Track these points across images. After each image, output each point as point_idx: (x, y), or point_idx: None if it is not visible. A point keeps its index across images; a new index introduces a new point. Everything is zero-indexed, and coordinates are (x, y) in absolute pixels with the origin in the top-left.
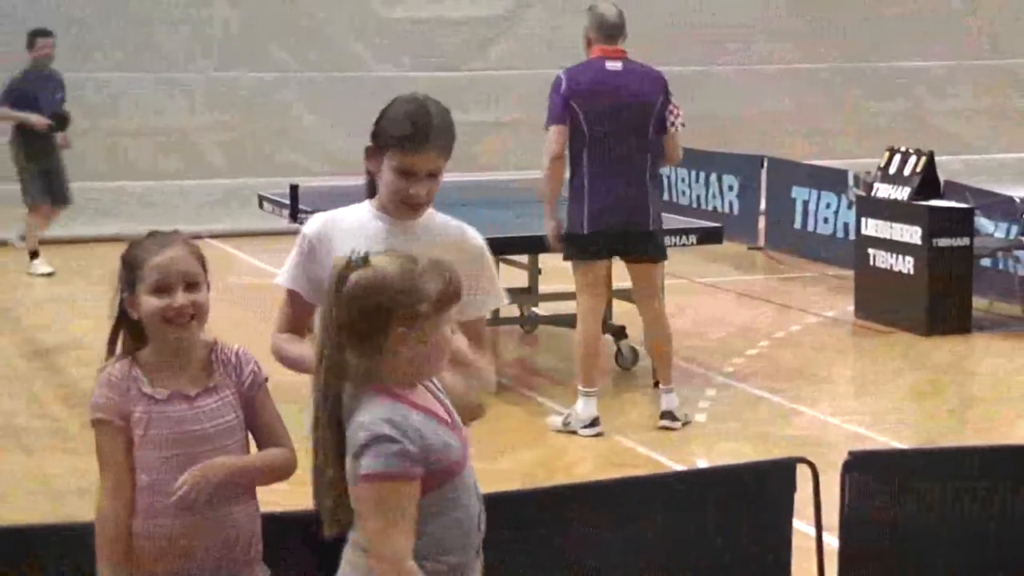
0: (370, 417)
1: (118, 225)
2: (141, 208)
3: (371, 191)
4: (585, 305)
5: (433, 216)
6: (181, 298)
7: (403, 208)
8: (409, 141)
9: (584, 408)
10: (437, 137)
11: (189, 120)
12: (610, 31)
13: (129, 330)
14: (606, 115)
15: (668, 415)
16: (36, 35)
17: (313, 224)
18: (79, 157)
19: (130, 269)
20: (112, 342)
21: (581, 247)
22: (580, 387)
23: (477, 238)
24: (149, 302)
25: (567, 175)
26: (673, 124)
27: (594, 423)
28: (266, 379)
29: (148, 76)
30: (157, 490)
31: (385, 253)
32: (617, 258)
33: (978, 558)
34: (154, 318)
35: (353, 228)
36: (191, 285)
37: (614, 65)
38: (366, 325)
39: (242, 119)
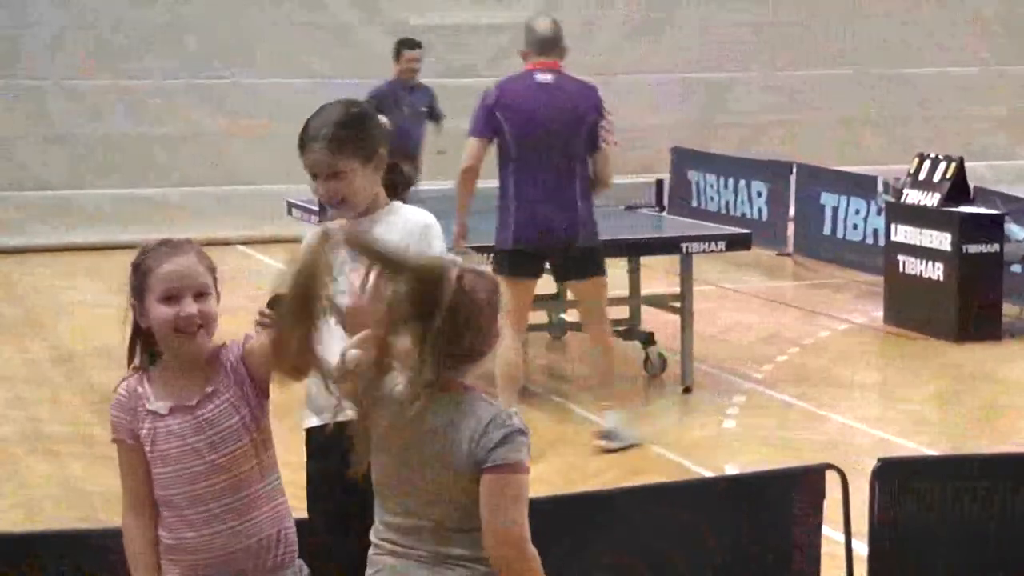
0: (494, 411)
1: (146, 231)
2: (171, 214)
3: None
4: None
5: (391, 211)
6: (190, 307)
7: (333, 210)
8: (301, 144)
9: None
10: (323, 140)
11: (218, 126)
12: (542, 45)
13: (144, 339)
14: (533, 128)
15: (608, 435)
16: (402, 46)
17: (307, 236)
18: (110, 164)
19: (139, 276)
20: (131, 351)
21: (506, 263)
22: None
23: (421, 216)
24: (158, 310)
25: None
26: (605, 141)
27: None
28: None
29: (178, 82)
30: (174, 503)
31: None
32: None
33: (1007, 565)
34: (163, 327)
35: (316, 232)
36: (200, 294)
37: (545, 78)
38: (488, 322)
39: (272, 125)
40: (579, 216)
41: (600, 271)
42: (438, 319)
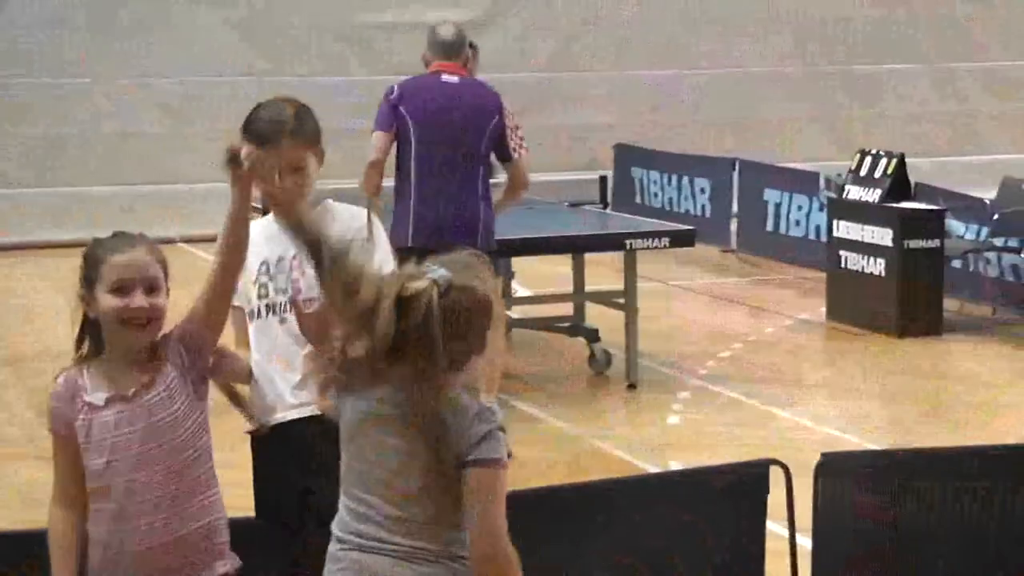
0: (478, 407)
1: (91, 231)
2: (130, 213)
3: None
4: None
5: (327, 206)
6: (139, 299)
7: (277, 208)
8: (266, 140)
9: None
10: (291, 133)
11: (161, 125)
12: (446, 49)
13: (92, 331)
14: (436, 125)
15: None
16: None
17: None
18: (72, 163)
19: (90, 266)
20: (80, 341)
21: (403, 261)
22: None
23: (356, 214)
24: (106, 300)
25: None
26: (516, 151)
27: None
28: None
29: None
30: (107, 495)
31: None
32: None
33: (950, 559)
34: (110, 317)
35: (255, 225)
36: (151, 289)
37: (449, 78)
38: (484, 323)
39: (215, 125)
40: (479, 218)
41: (496, 274)
42: (429, 333)
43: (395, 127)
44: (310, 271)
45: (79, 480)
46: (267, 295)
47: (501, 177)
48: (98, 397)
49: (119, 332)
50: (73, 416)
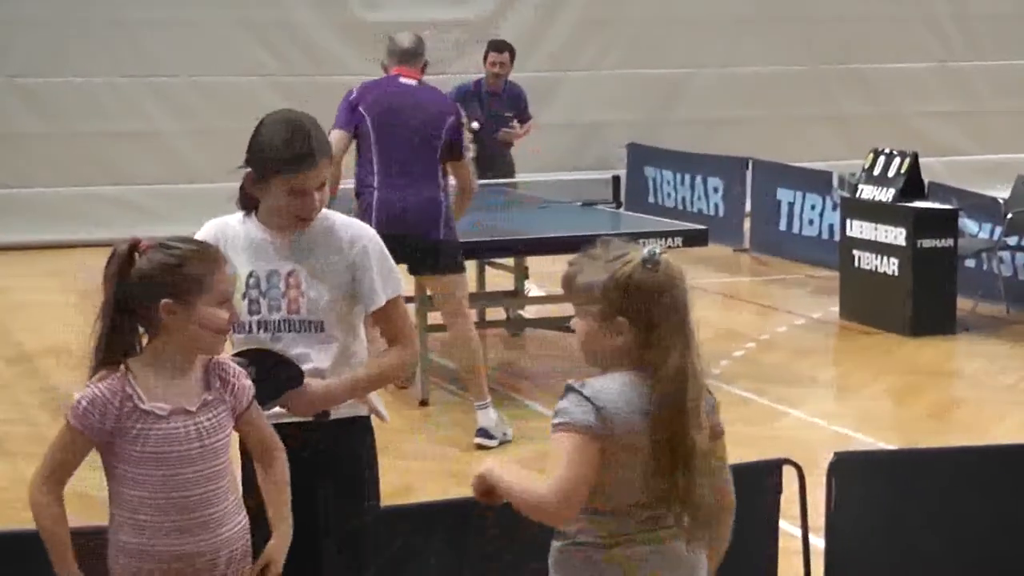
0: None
1: (98, 231)
2: (123, 213)
3: (244, 204)
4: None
5: (325, 220)
6: (235, 311)
7: (297, 223)
8: (303, 162)
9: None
10: (321, 152)
11: (170, 124)
12: (403, 55)
13: (127, 338)
14: (395, 122)
15: (483, 432)
16: (488, 48)
17: (206, 231)
18: (63, 163)
19: (190, 279)
20: (109, 348)
21: None
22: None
23: (363, 231)
24: (214, 313)
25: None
26: (467, 150)
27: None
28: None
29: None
30: (157, 508)
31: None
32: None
33: (962, 558)
34: (216, 329)
35: (237, 235)
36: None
37: (408, 81)
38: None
39: (223, 122)
40: (438, 211)
41: (458, 267)
42: None
43: (354, 125)
44: (311, 291)
45: (71, 468)
46: (259, 311)
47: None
48: (159, 407)
49: (213, 343)
50: (121, 425)
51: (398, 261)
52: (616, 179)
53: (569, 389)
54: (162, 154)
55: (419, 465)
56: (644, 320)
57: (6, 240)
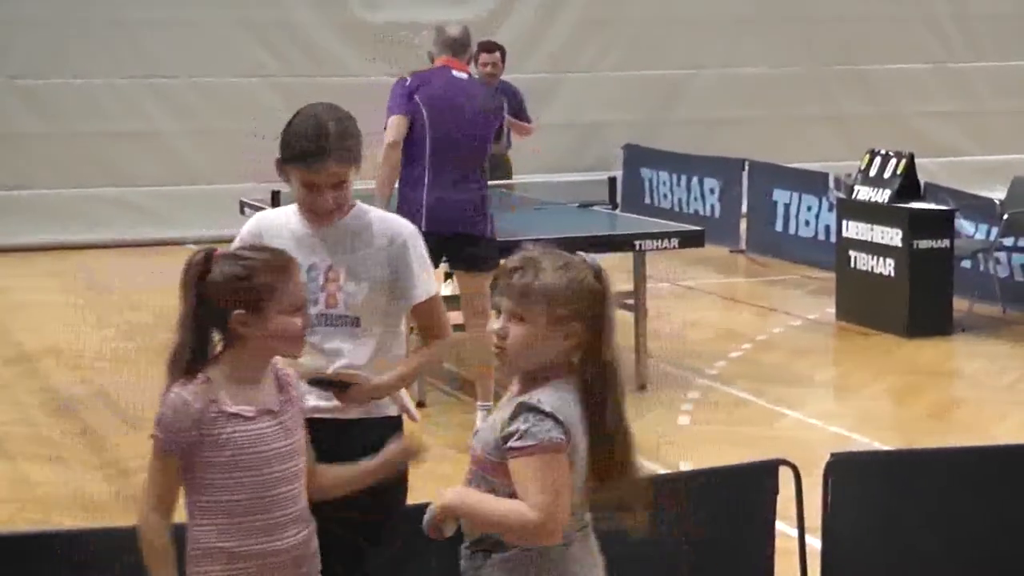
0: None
1: (98, 232)
2: (123, 214)
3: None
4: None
5: (363, 216)
6: (308, 318)
7: (312, 216)
8: (310, 157)
9: None
10: (335, 151)
11: (171, 124)
12: (455, 46)
13: (199, 347)
14: (450, 116)
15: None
16: (479, 49)
17: (249, 224)
18: (63, 164)
19: (260, 288)
20: (192, 358)
21: None
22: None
23: (402, 226)
24: (289, 322)
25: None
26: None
27: None
28: None
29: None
30: (248, 508)
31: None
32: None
33: (959, 558)
34: (292, 337)
35: (280, 228)
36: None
37: (459, 74)
38: None
39: (223, 123)
40: (486, 209)
41: (497, 266)
42: None
43: (411, 113)
44: (349, 286)
45: (176, 490)
46: None
47: None
48: (246, 409)
49: (289, 350)
50: (206, 431)
51: (442, 259)
52: (612, 180)
53: (526, 408)
54: (162, 154)
55: (418, 465)
56: (596, 324)
57: (5, 241)
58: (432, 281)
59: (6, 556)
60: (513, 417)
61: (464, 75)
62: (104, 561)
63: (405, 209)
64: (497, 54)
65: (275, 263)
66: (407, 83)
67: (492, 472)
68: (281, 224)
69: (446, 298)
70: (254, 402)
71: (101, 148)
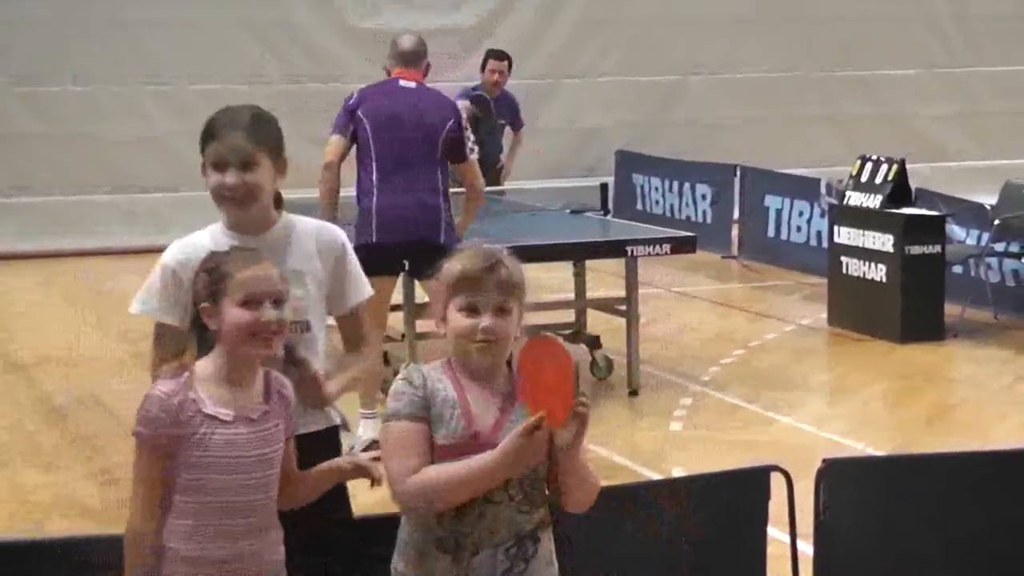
0: None
1: (107, 238)
2: (137, 218)
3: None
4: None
5: (291, 226)
6: (269, 312)
7: (224, 204)
8: (220, 131)
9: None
10: (245, 129)
11: (166, 130)
12: (405, 57)
13: (179, 336)
14: (395, 125)
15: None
16: (488, 56)
17: (173, 253)
18: (62, 165)
19: (217, 279)
20: (179, 352)
21: (369, 258)
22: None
23: (335, 234)
24: (236, 314)
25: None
26: (472, 151)
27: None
28: None
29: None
30: (211, 512)
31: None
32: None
33: (952, 564)
34: (240, 331)
35: (209, 249)
36: (277, 302)
37: (407, 84)
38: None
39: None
40: (439, 216)
41: None
42: None
43: (352, 130)
44: (296, 291)
45: (162, 491)
46: None
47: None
48: (223, 412)
49: (245, 345)
50: (181, 429)
51: (398, 267)
52: (604, 186)
53: None
54: (162, 155)
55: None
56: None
57: (2, 248)
58: (364, 289)
59: (4, 565)
60: None
61: (412, 84)
62: (97, 568)
63: (361, 220)
64: (505, 63)
65: (236, 255)
66: (351, 101)
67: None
68: (205, 245)
69: (419, 305)
70: (234, 406)
71: (101, 150)
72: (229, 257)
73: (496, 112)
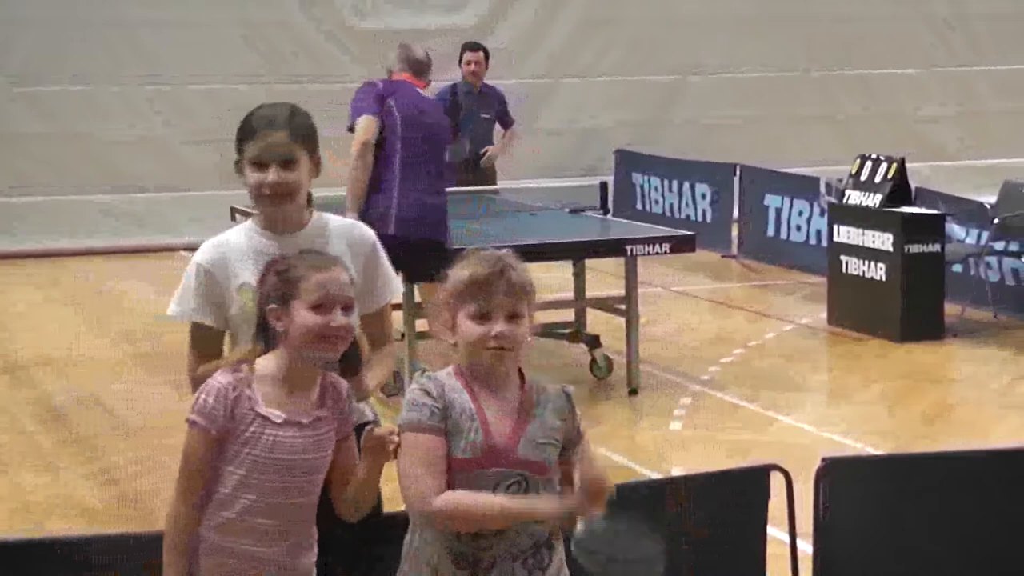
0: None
1: (103, 238)
2: (110, 221)
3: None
4: None
5: (323, 224)
6: (339, 317)
7: (263, 202)
8: (261, 129)
9: None
10: (286, 126)
11: (165, 130)
12: (418, 66)
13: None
14: (420, 124)
15: None
16: (463, 48)
17: (207, 252)
18: (74, 168)
19: (288, 281)
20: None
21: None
22: None
23: (366, 232)
24: (307, 317)
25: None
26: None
27: None
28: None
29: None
30: (251, 509)
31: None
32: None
33: (951, 563)
34: (310, 334)
35: (244, 248)
36: (346, 307)
37: (423, 92)
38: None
39: (215, 129)
40: (446, 218)
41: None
42: None
43: (382, 116)
44: None
45: (207, 482)
46: None
47: None
48: (275, 414)
49: (313, 348)
50: (234, 424)
51: (411, 266)
52: (604, 185)
53: (570, 395)
54: (162, 155)
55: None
56: None
57: (2, 248)
58: (393, 288)
59: (2, 564)
60: (573, 407)
61: (427, 93)
62: (97, 568)
63: (373, 213)
64: (480, 53)
65: (308, 258)
66: (378, 87)
67: (542, 472)
68: (240, 243)
69: (419, 305)
70: (286, 408)
71: (100, 150)
72: (300, 260)
73: (479, 106)
